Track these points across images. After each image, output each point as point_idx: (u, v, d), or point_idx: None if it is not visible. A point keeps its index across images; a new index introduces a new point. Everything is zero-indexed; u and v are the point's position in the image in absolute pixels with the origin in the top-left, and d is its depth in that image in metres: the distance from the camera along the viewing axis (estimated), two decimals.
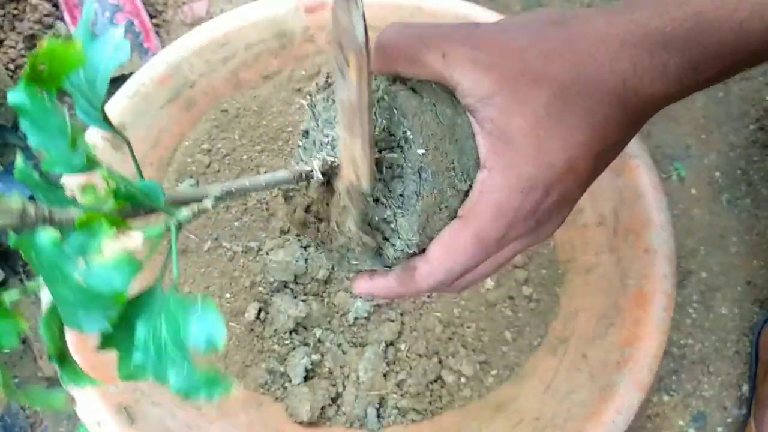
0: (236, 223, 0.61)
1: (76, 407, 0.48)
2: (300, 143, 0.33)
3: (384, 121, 0.28)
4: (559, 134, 0.26)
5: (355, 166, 0.27)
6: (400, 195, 0.28)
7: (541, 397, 0.53)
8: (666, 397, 0.71)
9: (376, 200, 0.29)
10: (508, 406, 0.54)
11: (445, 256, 0.29)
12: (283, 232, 0.61)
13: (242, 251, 0.61)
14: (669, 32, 0.26)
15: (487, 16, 0.64)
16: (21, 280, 0.74)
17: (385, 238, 0.30)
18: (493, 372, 0.57)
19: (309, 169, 0.29)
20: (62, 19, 0.83)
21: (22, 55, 0.81)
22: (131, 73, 0.63)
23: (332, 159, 0.29)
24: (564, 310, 0.58)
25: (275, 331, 0.58)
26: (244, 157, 0.64)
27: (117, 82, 0.80)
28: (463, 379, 0.56)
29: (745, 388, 0.72)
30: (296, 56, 0.67)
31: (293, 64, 0.66)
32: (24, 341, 0.72)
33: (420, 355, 0.57)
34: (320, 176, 0.29)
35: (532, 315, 0.58)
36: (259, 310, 0.59)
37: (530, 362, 0.56)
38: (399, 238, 0.29)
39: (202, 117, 0.65)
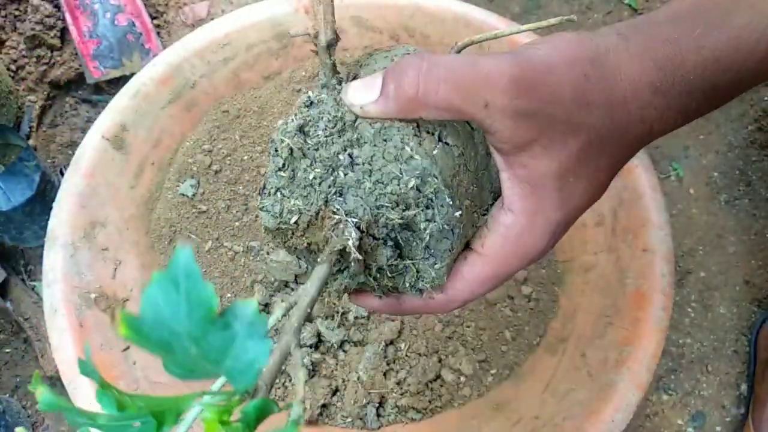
0: (237, 223, 0.62)
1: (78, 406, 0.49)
2: (271, 188, 0.29)
3: (415, 180, 0.27)
4: (586, 178, 0.28)
5: (315, 16, 0.28)
6: (427, 247, 0.29)
7: (540, 396, 0.54)
8: (665, 397, 0.72)
9: (399, 250, 0.28)
10: (507, 405, 0.54)
11: (464, 290, 0.30)
12: None
13: (243, 251, 0.61)
14: (692, 80, 0.27)
15: (484, 16, 0.65)
16: (23, 280, 0.75)
17: (404, 281, 0.30)
18: (493, 371, 0.57)
19: (341, 247, 0.26)
20: (63, 20, 0.83)
21: (24, 56, 0.81)
22: (132, 74, 0.63)
23: (357, 222, 0.27)
24: (563, 310, 0.58)
25: (275, 331, 0.58)
26: (245, 157, 0.64)
27: (118, 82, 0.81)
28: (462, 378, 0.56)
29: (744, 387, 0.72)
30: (297, 57, 0.67)
31: (294, 65, 0.67)
32: (25, 341, 0.72)
33: (420, 354, 0.57)
34: (358, 255, 0.26)
35: (532, 314, 0.58)
36: (260, 311, 0.59)
37: (529, 361, 0.57)
38: (422, 280, 0.29)
39: (203, 117, 0.65)
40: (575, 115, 0.26)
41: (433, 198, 0.28)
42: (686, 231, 0.78)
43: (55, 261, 0.53)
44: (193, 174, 0.63)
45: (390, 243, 0.28)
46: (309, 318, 0.59)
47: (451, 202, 0.28)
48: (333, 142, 0.28)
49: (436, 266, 0.29)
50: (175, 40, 0.64)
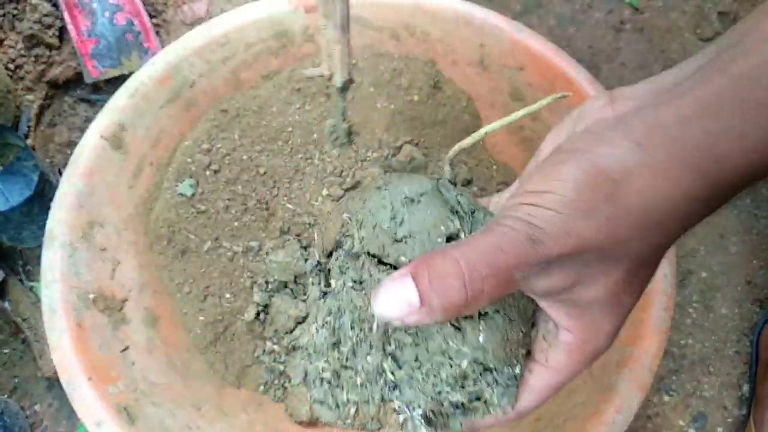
0: (236, 223, 0.61)
1: (76, 407, 0.48)
2: (315, 378, 0.29)
3: (468, 361, 0.28)
4: (638, 288, 0.28)
5: (329, 56, 0.26)
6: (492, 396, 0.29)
7: None
8: (666, 397, 0.71)
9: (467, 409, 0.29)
10: None
11: (534, 401, 0.31)
12: (282, 232, 0.61)
13: (242, 251, 0.60)
14: (734, 180, 0.25)
15: (484, 15, 0.64)
16: (21, 280, 0.74)
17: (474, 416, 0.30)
18: None
19: None
20: (62, 19, 0.83)
21: (22, 55, 0.81)
22: (131, 73, 0.63)
23: (422, 412, 0.28)
24: None
25: (275, 331, 0.58)
26: (244, 157, 0.63)
27: (117, 81, 0.80)
28: None
29: (746, 388, 0.72)
30: (296, 56, 0.67)
31: (293, 64, 0.66)
32: (24, 341, 0.72)
33: None
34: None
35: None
36: (259, 311, 0.59)
37: None
38: (493, 408, 0.30)
39: (202, 117, 0.65)
40: (611, 254, 0.26)
41: (492, 368, 0.28)
42: (688, 231, 0.78)
43: (53, 261, 0.53)
44: (191, 174, 0.62)
45: (459, 410, 0.28)
46: None
47: (510, 371, 0.28)
48: (369, 352, 0.28)
49: (505, 399, 0.29)
50: (173, 39, 0.64)
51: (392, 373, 0.27)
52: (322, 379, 0.29)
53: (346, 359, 0.28)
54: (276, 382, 0.57)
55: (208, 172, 0.63)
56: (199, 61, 0.63)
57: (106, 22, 0.83)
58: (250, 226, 0.61)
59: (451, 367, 0.27)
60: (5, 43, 0.80)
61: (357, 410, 0.28)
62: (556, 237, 0.25)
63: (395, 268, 0.29)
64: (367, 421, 0.28)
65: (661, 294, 0.52)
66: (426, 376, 0.27)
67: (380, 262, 0.29)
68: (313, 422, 0.55)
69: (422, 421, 0.27)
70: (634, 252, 0.26)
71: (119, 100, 0.60)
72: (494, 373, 0.28)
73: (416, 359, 0.27)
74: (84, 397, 0.48)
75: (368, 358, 0.28)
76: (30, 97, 0.81)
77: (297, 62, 0.67)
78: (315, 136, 0.64)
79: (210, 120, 0.64)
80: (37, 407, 0.70)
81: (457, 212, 0.31)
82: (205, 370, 0.56)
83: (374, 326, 0.28)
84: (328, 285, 0.31)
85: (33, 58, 0.81)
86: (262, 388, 0.57)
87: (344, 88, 0.27)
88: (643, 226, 0.25)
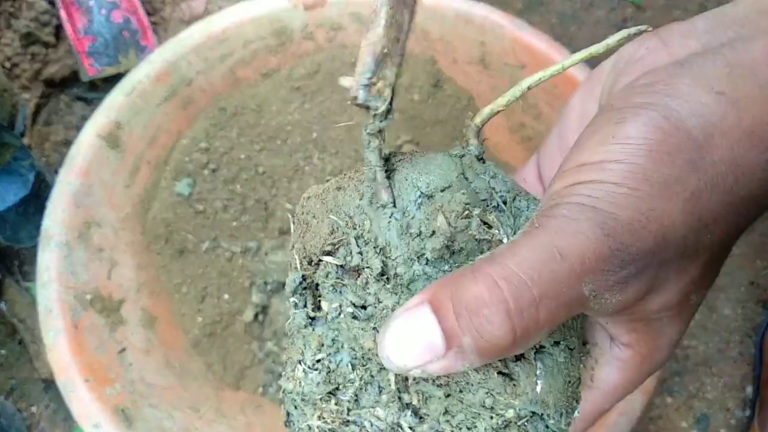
0: (235, 223, 0.61)
1: (73, 409, 0.48)
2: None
3: (515, 412, 0.21)
4: (707, 283, 0.22)
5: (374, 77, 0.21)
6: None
7: None
8: (669, 399, 0.71)
9: None
10: None
11: (585, 426, 0.26)
12: (282, 232, 0.60)
13: (241, 251, 0.60)
14: None
15: (486, 12, 0.64)
16: (17, 281, 0.74)
17: None
18: None
19: None
20: (58, 17, 0.82)
21: (18, 53, 0.80)
22: (128, 71, 0.62)
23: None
24: None
25: (274, 332, 0.57)
26: (242, 155, 0.63)
27: (114, 79, 0.80)
28: None
29: (749, 389, 0.71)
30: (295, 54, 0.66)
31: (292, 62, 0.66)
32: (20, 342, 0.71)
33: None
34: None
35: None
36: (258, 312, 0.58)
37: None
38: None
39: (200, 115, 0.64)
40: (691, 245, 0.19)
41: (544, 414, 0.22)
42: None
43: (49, 261, 0.52)
44: (189, 173, 0.62)
45: None
46: None
47: (567, 417, 0.22)
48: (379, 401, 0.21)
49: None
50: (171, 37, 0.63)
51: (411, 429, 0.21)
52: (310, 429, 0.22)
53: (348, 412, 0.21)
54: (275, 383, 0.56)
55: (206, 171, 0.62)
56: (196, 59, 0.62)
57: (103, 19, 0.82)
58: (249, 226, 0.61)
59: (492, 418, 0.21)
60: (1, 41, 0.80)
61: None
62: (635, 225, 0.18)
63: (410, 291, 0.22)
64: None
65: None
66: (458, 429, 0.21)
67: (387, 280, 0.22)
68: None
69: None
70: (715, 239, 0.20)
71: (116, 99, 0.59)
72: (546, 419, 0.22)
73: (446, 412, 0.21)
74: (81, 398, 0.48)
75: (378, 410, 0.21)
76: (26, 95, 0.81)
77: (296, 60, 0.66)
78: (314, 135, 0.63)
79: (208, 118, 0.64)
80: (33, 409, 0.70)
81: (491, 205, 0.23)
82: (203, 372, 0.56)
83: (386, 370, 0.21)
84: (317, 308, 0.23)
85: (29, 56, 0.80)
86: (260, 389, 0.56)
87: (380, 130, 0.20)
88: (731, 203, 0.19)
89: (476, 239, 0.22)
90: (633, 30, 0.22)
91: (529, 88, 0.24)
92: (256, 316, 0.58)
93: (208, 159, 0.62)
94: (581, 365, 0.24)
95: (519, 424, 0.21)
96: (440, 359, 0.18)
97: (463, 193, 0.22)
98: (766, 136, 0.18)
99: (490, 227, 0.22)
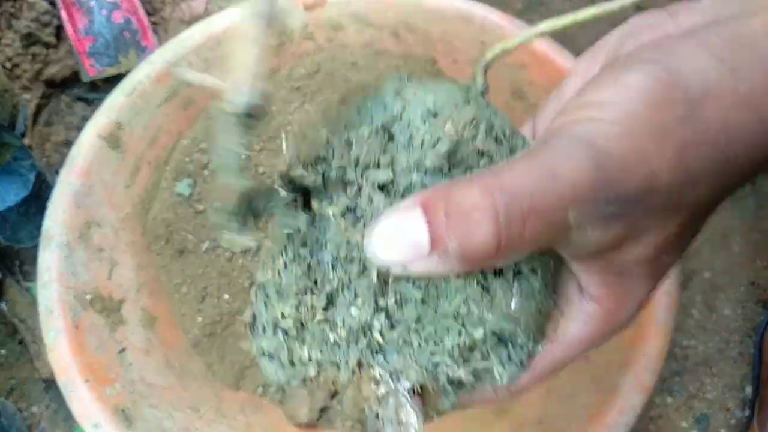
0: None
1: (73, 409, 0.48)
2: (266, 324, 0.23)
3: (483, 330, 0.22)
4: (682, 246, 0.23)
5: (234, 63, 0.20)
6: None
7: (543, 400, 0.53)
8: (669, 399, 0.71)
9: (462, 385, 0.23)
10: (509, 409, 0.54)
11: (531, 380, 0.26)
12: None
13: (241, 252, 0.60)
14: None
15: (485, 13, 0.64)
16: (17, 281, 0.74)
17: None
18: None
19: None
20: (59, 17, 0.82)
21: (19, 54, 0.81)
22: (129, 71, 0.62)
23: (410, 387, 0.22)
24: None
25: None
26: (242, 156, 0.63)
27: (114, 80, 0.80)
28: None
29: (749, 389, 0.71)
30: (295, 54, 0.66)
31: (292, 62, 0.66)
32: (21, 342, 0.72)
33: None
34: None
35: None
36: None
37: None
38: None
39: (201, 116, 0.64)
40: (674, 197, 0.20)
41: (513, 339, 0.22)
42: None
43: (50, 261, 0.52)
44: (189, 173, 0.62)
45: (453, 386, 0.23)
46: None
47: (529, 348, 0.23)
48: (354, 303, 0.21)
49: (505, 381, 0.24)
50: (171, 37, 0.63)
51: (381, 334, 0.21)
52: (276, 327, 0.22)
53: (323, 308, 0.21)
54: (275, 384, 0.56)
55: (206, 172, 0.62)
56: (197, 59, 0.62)
57: (104, 20, 0.82)
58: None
59: (460, 335, 0.21)
60: (2, 41, 0.80)
61: (318, 373, 0.22)
62: (626, 164, 0.19)
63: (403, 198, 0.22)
64: (329, 387, 0.23)
65: (665, 294, 0.52)
66: (425, 342, 0.21)
67: (382, 188, 0.22)
68: (313, 425, 0.55)
69: (409, 397, 0.21)
70: (700, 198, 0.20)
71: (117, 99, 0.59)
72: (510, 347, 0.22)
73: (418, 320, 0.21)
74: (81, 398, 0.48)
75: (352, 310, 0.21)
76: (27, 95, 0.81)
77: (296, 60, 0.66)
78: None
79: (208, 119, 0.64)
80: (34, 409, 0.70)
81: (492, 135, 0.23)
82: (203, 372, 0.56)
83: (369, 270, 0.21)
84: (306, 207, 0.23)
85: (30, 57, 0.81)
86: (260, 389, 0.56)
87: (249, 116, 0.20)
88: (717, 162, 0.20)
89: (479, 152, 0.22)
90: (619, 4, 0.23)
91: (540, 34, 0.24)
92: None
93: (209, 159, 0.63)
94: (550, 306, 0.24)
95: (483, 349, 0.22)
96: (423, 259, 0.18)
97: (470, 110, 0.23)
98: (758, 104, 0.19)
99: (496, 141, 0.23)
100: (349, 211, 0.22)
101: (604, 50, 0.25)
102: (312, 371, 0.22)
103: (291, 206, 0.23)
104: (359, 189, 0.22)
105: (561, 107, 0.23)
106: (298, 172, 0.22)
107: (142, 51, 0.82)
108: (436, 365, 0.22)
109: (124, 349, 0.53)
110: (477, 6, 0.64)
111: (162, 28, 0.87)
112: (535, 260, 0.23)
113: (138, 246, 0.59)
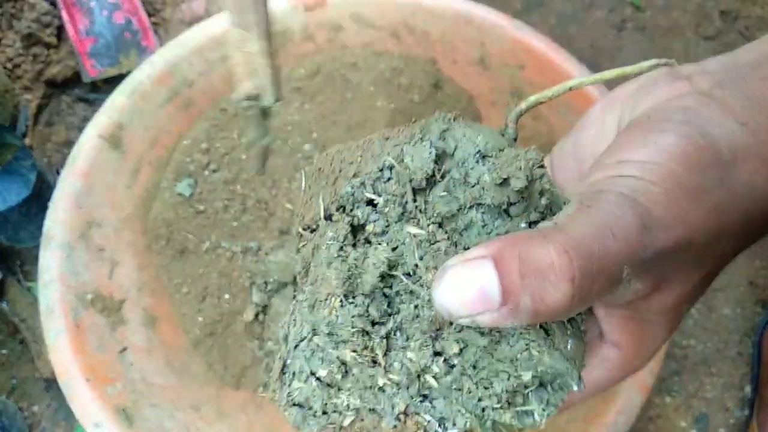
0: (235, 223, 0.61)
1: (74, 408, 0.48)
2: (297, 369, 0.22)
3: (533, 372, 0.22)
4: (699, 295, 0.24)
5: (251, 73, 0.21)
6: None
7: None
8: (668, 399, 0.71)
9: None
10: None
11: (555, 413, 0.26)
12: (282, 232, 0.61)
13: (241, 251, 0.60)
14: None
15: (485, 13, 0.64)
16: (18, 281, 0.74)
17: None
18: None
19: None
20: (60, 17, 0.82)
21: (20, 54, 0.81)
22: (129, 72, 0.62)
23: None
24: None
25: (274, 332, 0.58)
26: (243, 156, 0.63)
27: (115, 80, 0.80)
28: None
29: (748, 389, 0.71)
30: (295, 55, 0.66)
31: (292, 63, 0.66)
32: (22, 342, 0.72)
33: None
34: None
35: None
36: (258, 312, 0.58)
37: None
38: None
39: (201, 116, 0.64)
40: (707, 251, 0.21)
41: (553, 381, 0.23)
42: None
43: (51, 261, 0.52)
44: (190, 173, 0.62)
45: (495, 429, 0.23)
46: None
47: (576, 388, 0.23)
48: (409, 345, 0.21)
49: (543, 424, 0.23)
50: (172, 38, 0.63)
51: (436, 379, 0.21)
52: (311, 374, 0.21)
53: (381, 349, 0.21)
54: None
55: (206, 172, 0.62)
56: (197, 60, 0.63)
57: (105, 20, 0.83)
58: (249, 227, 0.61)
59: (509, 379, 0.21)
60: (3, 41, 0.80)
61: (353, 421, 0.21)
62: (666, 223, 0.20)
63: (462, 237, 0.22)
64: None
65: None
66: (475, 386, 0.21)
67: (440, 224, 0.22)
68: None
69: None
70: (724, 251, 0.22)
71: (117, 100, 0.59)
72: (549, 389, 0.22)
73: (475, 365, 0.21)
74: (82, 398, 0.48)
75: (408, 353, 0.21)
76: (28, 96, 0.81)
77: (296, 61, 0.66)
78: (314, 135, 0.63)
79: (209, 119, 0.64)
80: (35, 408, 0.70)
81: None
82: (203, 371, 0.56)
83: (429, 313, 0.21)
84: (358, 229, 0.22)
85: (31, 57, 0.81)
86: (261, 389, 0.57)
87: (269, 109, 0.22)
88: (744, 221, 0.21)
89: (541, 192, 0.23)
90: (663, 61, 0.24)
91: (571, 89, 0.25)
92: (256, 315, 0.58)
93: (209, 159, 0.63)
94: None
95: (525, 392, 0.22)
96: (492, 312, 0.18)
97: (532, 152, 0.23)
98: None
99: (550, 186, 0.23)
100: (413, 238, 0.22)
101: (620, 102, 0.26)
102: (348, 420, 0.21)
103: (338, 240, 0.22)
104: (417, 222, 0.22)
105: (586, 152, 0.24)
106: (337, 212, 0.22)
107: (143, 52, 0.82)
108: (483, 410, 0.21)
109: (125, 349, 0.53)
110: (477, 6, 0.64)
111: (163, 28, 0.87)
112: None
113: (139, 246, 0.59)
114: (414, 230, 0.22)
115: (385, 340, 0.21)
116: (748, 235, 0.22)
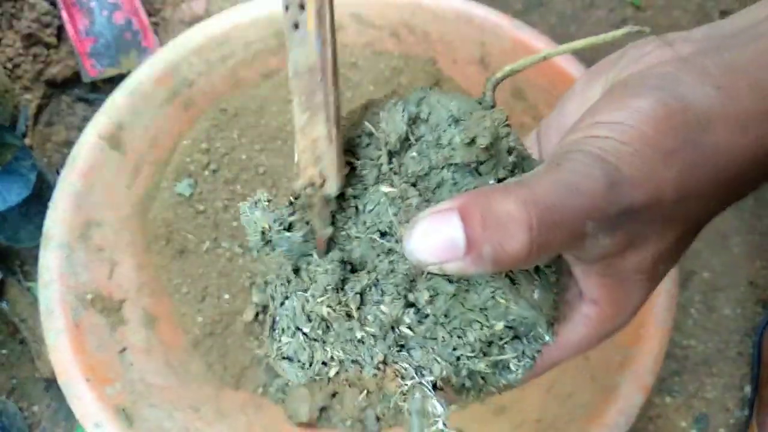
0: (235, 223, 0.61)
1: (74, 408, 0.48)
2: (286, 326, 0.23)
3: (504, 323, 0.23)
4: (677, 257, 0.25)
5: (316, 159, 0.22)
6: (506, 370, 0.25)
7: (543, 399, 0.53)
8: (668, 399, 0.71)
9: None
10: (509, 408, 0.54)
11: (527, 378, 0.27)
12: None
13: (241, 251, 0.60)
14: None
15: (485, 13, 0.64)
16: (18, 281, 0.74)
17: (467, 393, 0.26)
18: None
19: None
20: (60, 17, 0.82)
21: (20, 54, 0.81)
22: (129, 72, 0.62)
23: (433, 380, 0.22)
24: None
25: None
26: (243, 156, 0.63)
27: (115, 80, 0.80)
28: None
29: (748, 389, 0.71)
30: None
31: None
32: (22, 342, 0.72)
33: None
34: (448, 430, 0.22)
35: None
36: (258, 312, 0.58)
37: None
38: (490, 386, 0.26)
39: (201, 116, 0.64)
40: (677, 210, 0.22)
41: (527, 333, 0.24)
42: None
43: (50, 261, 0.52)
44: (190, 173, 0.62)
45: (470, 381, 0.24)
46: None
47: (549, 338, 0.24)
48: (384, 299, 0.22)
49: (511, 377, 0.25)
50: (172, 38, 0.63)
51: (410, 328, 0.22)
52: (297, 329, 0.23)
53: (358, 307, 0.22)
54: (275, 383, 0.56)
55: (206, 172, 0.62)
56: (197, 60, 0.63)
57: (104, 20, 0.83)
58: None
59: (482, 328, 0.22)
60: (3, 41, 0.80)
61: (338, 372, 0.23)
62: (635, 181, 0.21)
63: (434, 195, 0.24)
64: (345, 384, 0.23)
65: (664, 294, 0.52)
66: (449, 335, 0.22)
67: (414, 184, 0.24)
68: (313, 424, 0.55)
69: (432, 390, 0.22)
70: (698, 212, 0.22)
71: (117, 100, 0.59)
72: (524, 341, 0.24)
73: (446, 314, 0.22)
74: (82, 398, 0.48)
75: (382, 307, 0.22)
76: (28, 96, 0.81)
77: None
78: None
79: (209, 119, 0.64)
80: (35, 408, 0.70)
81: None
82: (203, 372, 0.56)
83: (400, 267, 0.22)
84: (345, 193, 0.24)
85: (31, 57, 0.81)
86: (261, 389, 0.57)
87: (337, 193, 0.22)
88: (716, 182, 0.22)
89: (509, 149, 0.24)
90: (635, 28, 0.24)
91: (545, 58, 0.26)
92: (256, 315, 0.58)
93: (209, 159, 0.63)
94: (559, 303, 0.26)
95: (500, 343, 0.23)
96: (458, 260, 0.20)
97: (498, 113, 0.24)
98: (752, 128, 0.21)
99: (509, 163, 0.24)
100: (397, 199, 0.23)
101: (605, 73, 0.27)
102: (333, 371, 0.23)
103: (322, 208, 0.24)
104: (391, 184, 0.23)
105: (569, 123, 0.25)
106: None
107: (143, 52, 0.82)
108: (458, 359, 0.23)
109: (124, 349, 0.53)
110: (477, 7, 0.64)
111: (163, 28, 0.87)
112: (551, 260, 0.25)
113: (138, 246, 0.59)
114: (387, 189, 0.23)
115: (359, 296, 0.22)
116: (720, 197, 0.22)
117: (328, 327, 0.23)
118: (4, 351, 0.72)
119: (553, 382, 0.54)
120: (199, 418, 0.53)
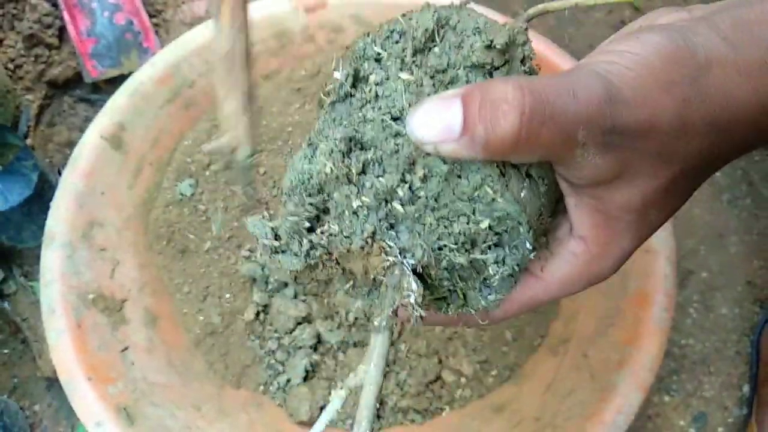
0: (236, 223, 0.61)
1: (76, 407, 0.48)
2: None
3: (490, 221, 0.24)
4: (669, 208, 0.25)
5: (232, 128, 0.24)
6: (485, 282, 0.26)
7: (542, 397, 0.53)
8: (667, 398, 0.71)
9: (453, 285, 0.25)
10: (508, 406, 0.54)
11: (509, 311, 0.28)
12: None
13: (242, 252, 0.60)
14: None
15: (484, 14, 0.64)
16: (20, 281, 0.74)
17: (446, 306, 0.27)
18: (493, 372, 0.56)
19: (399, 305, 0.23)
20: (61, 18, 0.83)
21: (22, 55, 0.81)
22: (131, 73, 0.62)
23: (414, 264, 0.23)
24: (564, 310, 0.58)
25: (275, 331, 0.58)
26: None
27: (116, 81, 0.80)
28: (463, 379, 0.56)
29: (746, 388, 0.72)
30: (296, 56, 0.67)
31: (293, 64, 0.66)
32: (23, 341, 0.72)
33: (420, 355, 0.57)
34: (421, 312, 0.23)
35: (533, 315, 0.58)
36: (259, 311, 0.58)
37: (530, 362, 0.56)
38: (469, 306, 0.27)
39: (202, 116, 0.65)
40: (670, 145, 0.23)
41: (510, 241, 0.25)
42: (688, 231, 0.77)
43: (52, 261, 0.53)
44: (191, 173, 0.62)
45: (447, 283, 0.25)
46: (308, 319, 0.58)
47: (530, 247, 0.25)
48: (384, 172, 0.24)
49: (490, 297, 0.26)
50: (173, 39, 0.64)
51: (402, 206, 0.23)
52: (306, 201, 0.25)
53: (359, 170, 0.23)
54: (276, 382, 0.57)
55: (207, 172, 0.63)
56: (198, 61, 0.63)
57: (106, 21, 0.83)
58: None
59: (468, 222, 0.23)
60: (5, 42, 0.80)
61: (329, 250, 0.24)
62: (631, 102, 0.21)
63: (446, 88, 0.25)
64: (337, 257, 0.24)
65: (662, 294, 0.52)
66: (436, 222, 0.23)
67: (432, 77, 0.25)
68: (313, 422, 0.55)
69: (415, 282, 0.23)
70: (691, 154, 0.23)
71: (119, 100, 0.59)
72: (507, 249, 0.25)
73: (437, 198, 0.23)
74: (83, 397, 0.48)
75: (380, 179, 0.23)
76: (29, 96, 0.81)
77: (297, 62, 0.67)
78: None
79: (210, 119, 0.64)
80: (36, 407, 0.70)
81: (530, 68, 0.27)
82: (204, 370, 0.56)
83: (403, 147, 0.23)
84: (361, 80, 0.26)
85: (32, 58, 0.81)
86: (262, 388, 0.57)
87: (250, 162, 0.25)
88: (713, 124, 0.22)
89: (524, 57, 0.26)
90: None
91: (577, 5, 0.28)
92: (257, 315, 0.58)
93: (210, 159, 0.63)
94: (547, 222, 0.26)
95: (484, 245, 0.24)
96: (453, 142, 0.21)
97: (519, 21, 0.26)
98: (754, 78, 0.23)
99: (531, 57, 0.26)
100: (410, 84, 0.25)
101: (624, 34, 0.28)
102: (323, 251, 0.24)
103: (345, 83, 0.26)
104: (411, 73, 0.25)
105: None
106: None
107: (144, 52, 0.82)
108: (440, 249, 0.24)
109: (126, 348, 0.53)
110: (476, 7, 0.65)
111: (164, 29, 0.87)
112: (543, 172, 0.25)
113: (140, 246, 0.59)
114: (405, 76, 0.25)
115: (361, 165, 0.24)
116: (715, 143, 0.23)
117: (326, 200, 0.24)
118: (5, 350, 0.72)
119: (552, 381, 0.54)
120: (201, 416, 0.53)
